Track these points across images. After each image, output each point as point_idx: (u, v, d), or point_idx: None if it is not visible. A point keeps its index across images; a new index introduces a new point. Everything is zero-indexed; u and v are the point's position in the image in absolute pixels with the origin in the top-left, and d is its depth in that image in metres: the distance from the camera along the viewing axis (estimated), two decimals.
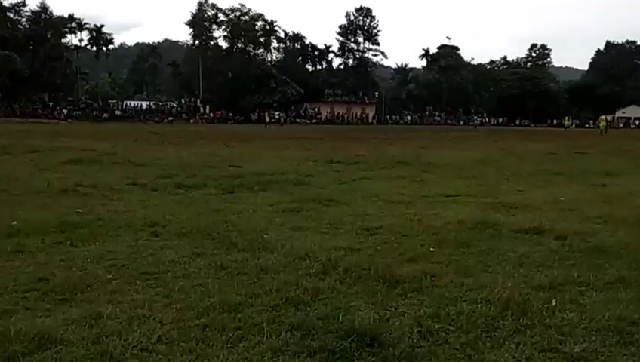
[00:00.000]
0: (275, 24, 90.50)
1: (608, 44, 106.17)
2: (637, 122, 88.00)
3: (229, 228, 6.90)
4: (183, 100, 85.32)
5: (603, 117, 55.24)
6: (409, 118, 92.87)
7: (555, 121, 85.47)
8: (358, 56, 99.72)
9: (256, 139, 29.56)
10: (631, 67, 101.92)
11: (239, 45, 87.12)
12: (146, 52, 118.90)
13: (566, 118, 69.18)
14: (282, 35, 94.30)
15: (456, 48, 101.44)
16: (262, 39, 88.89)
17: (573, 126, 73.41)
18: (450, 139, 33.81)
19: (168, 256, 5.57)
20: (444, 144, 27.58)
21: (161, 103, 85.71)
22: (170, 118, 73.24)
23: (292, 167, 14.67)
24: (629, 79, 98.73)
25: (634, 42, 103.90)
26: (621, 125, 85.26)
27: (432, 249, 6.01)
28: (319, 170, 14.13)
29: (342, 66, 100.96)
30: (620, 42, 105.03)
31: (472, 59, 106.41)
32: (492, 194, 10.18)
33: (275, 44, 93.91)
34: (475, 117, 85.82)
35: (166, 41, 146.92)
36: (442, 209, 8.55)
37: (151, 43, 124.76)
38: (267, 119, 64.81)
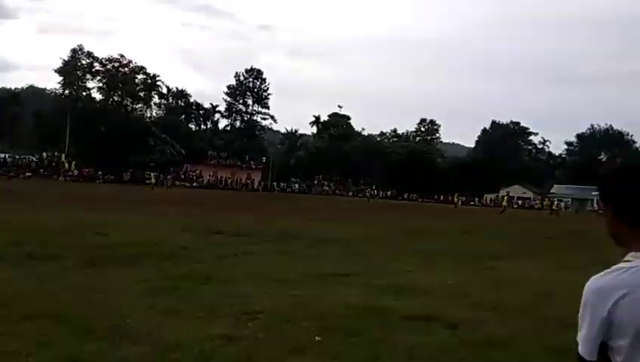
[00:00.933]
0: (157, 78, 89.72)
1: (494, 123, 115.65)
2: (519, 201, 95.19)
3: (87, 310, 6.36)
4: (45, 154, 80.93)
5: (504, 194, 59.64)
6: (297, 186, 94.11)
7: (442, 197, 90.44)
8: (246, 118, 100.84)
9: (131, 203, 28.39)
10: (514, 147, 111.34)
11: (115, 98, 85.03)
12: (7, 98, 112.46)
13: (455, 194, 73.53)
14: (165, 90, 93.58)
15: (347, 117, 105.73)
16: (141, 93, 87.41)
17: (460, 203, 78.03)
18: (339, 211, 34.49)
19: (9, 345, 4.98)
20: (333, 217, 28.04)
21: (18, 156, 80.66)
22: (27, 174, 68.89)
23: (166, 237, 14.11)
24: (512, 159, 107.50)
25: (517, 123, 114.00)
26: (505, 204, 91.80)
27: (317, 338, 5.88)
28: (197, 242, 13.70)
29: (228, 128, 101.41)
30: (504, 122, 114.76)
31: (363, 129, 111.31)
32: (381, 275, 10.32)
33: (156, 99, 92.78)
34: (368, 188, 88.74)
35: (31, 87, 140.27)
36: (330, 290, 8.50)
37: (13, 89, 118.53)
38: (152, 180, 62.88)
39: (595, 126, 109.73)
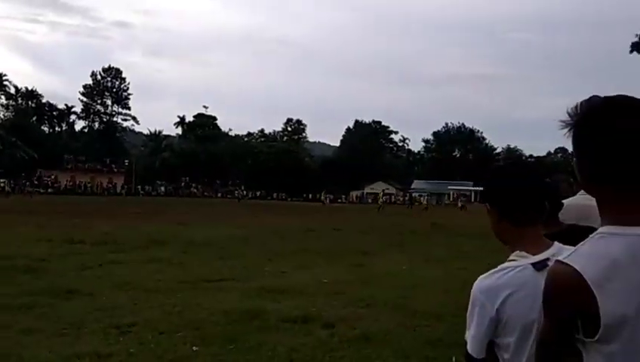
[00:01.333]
0: (3, 77, 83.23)
1: (357, 122, 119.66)
2: (385, 198, 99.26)
3: None
4: None
5: (381, 192, 61.45)
6: (163, 189, 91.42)
7: (310, 195, 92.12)
8: (105, 119, 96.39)
9: None
10: (377, 145, 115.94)
11: None
12: None
13: (323, 192, 75.14)
14: (13, 90, 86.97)
15: (214, 118, 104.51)
16: None
17: (328, 201, 79.90)
18: (209, 214, 33.94)
19: None
20: (204, 220, 27.52)
21: None
22: None
23: (21, 249, 13.09)
24: (375, 156, 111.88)
25: (379, 122, 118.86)
26: (370, 201, 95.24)
27: (195, 348, 5.71)
28: (57, 253, 12.83)
29: (86, 130, 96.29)
30: (367, 121, 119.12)
31: (230, 130, 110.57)
32: (256, 278, 10.27)
33: (3, 100, 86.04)
34: (238, 189, 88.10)
35: None
36: (205, 297, 8.31)
37: None
38: (6, 188, 58.23)
39: (449, 124, 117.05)
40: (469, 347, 1.75)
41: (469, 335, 1.76)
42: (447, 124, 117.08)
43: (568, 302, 1.35)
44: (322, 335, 6.36)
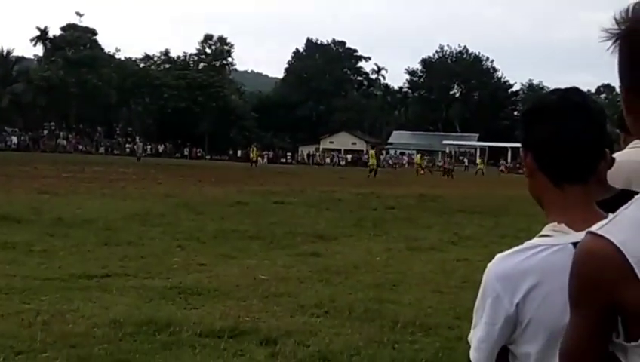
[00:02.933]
0: None
1: (309, 43, 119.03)
2: (348, 156, 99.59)
3: None
4: None
5: (372, 151, 61.10)
6: (15, 139, 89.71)
7: (239, 152, 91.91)
8: None
9: None
10: (339, 78, 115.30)
11: None
12: None
13: (253, 147, 74.49)
14: None
15: (93, 32, 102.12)
16: None
17: (265, 160, 79.93)
18: (88, 178, 33.54)
19: None
20: (80, 186, 27.16)
21: None
22: None
23: None
24: (336, 95, 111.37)
25: (342, 43, 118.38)
26: (328, 160, 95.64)
27: None
28: None
29: None
30: (324, 42, 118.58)
31: (118, 50, 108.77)
32: (161, 272, 10.28)
33: None
34: (132, 141, 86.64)
35: None
36: (84, 301, 8.31)
37: None
38: None
39: (446, 48, 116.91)
40: (472, 353, 1.81)
41: (475, 337, 1.81)
42: (441, 47, 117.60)
43: (603, 291, 1.38)
44: (259, 356, 6.46)
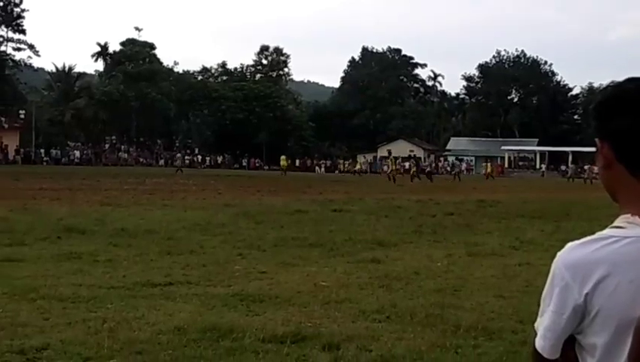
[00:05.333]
0: None
1: (365, 51, 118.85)
2: (405, 164, 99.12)
3: None
4: None
5: (391, 158, 60.81)
6: (78, 153, 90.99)
7: (297, 162, 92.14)
8: None
9: None
10: (395, 86, 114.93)
11: None
12: None
13: (282, 157, 74.15)
14: None
15: (151, 46, 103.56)
16: None
17: (322, 169, 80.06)
18: (149, 189, 33.97)
19: None
20: (142, 198, 27.54)
21: None
22: None
23: None
24: (392, 103, 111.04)
25: (398, 50, 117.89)
26: (385, 168, 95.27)
27: None
28: None
29: None
30: (380, 50, 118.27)
31: (176, 63, 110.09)
32: (223, 280, 10.39)
33: None
34: (179, 154, 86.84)
35: None
36: (148, 308, 8.42)
37: None
38: None
39: (503, 53, 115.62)
40: (538, 341, 1.82)
41: (542, 325, 1.82)
42: (498, 52, 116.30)
43: None
44: (322, 361, 6.49)
